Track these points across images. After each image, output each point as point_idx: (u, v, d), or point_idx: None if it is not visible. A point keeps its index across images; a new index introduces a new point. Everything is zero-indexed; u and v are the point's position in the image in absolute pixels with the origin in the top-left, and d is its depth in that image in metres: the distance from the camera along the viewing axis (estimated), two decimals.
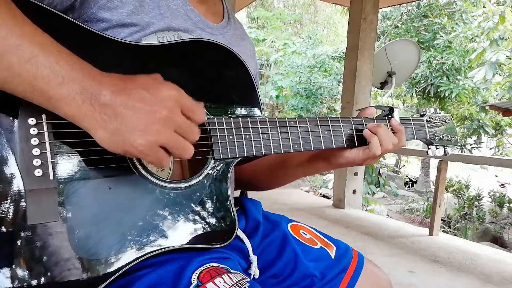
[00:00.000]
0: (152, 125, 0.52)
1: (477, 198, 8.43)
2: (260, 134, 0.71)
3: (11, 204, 0.52)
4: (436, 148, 0.98)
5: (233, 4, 4.34)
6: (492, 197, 8.67)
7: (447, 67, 9.95)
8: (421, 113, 0.96)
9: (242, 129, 0.69)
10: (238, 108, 0.72)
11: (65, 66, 0.49)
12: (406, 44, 5.31)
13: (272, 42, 13.10)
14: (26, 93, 0.49)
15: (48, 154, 0.53)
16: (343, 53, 7.48)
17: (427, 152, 0.98)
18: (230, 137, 0.68)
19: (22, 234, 0.52)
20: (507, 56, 9.05)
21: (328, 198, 5.88)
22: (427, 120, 0.95)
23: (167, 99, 0.53)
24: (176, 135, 0.54)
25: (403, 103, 12.11)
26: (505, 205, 8.32)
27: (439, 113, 0.99)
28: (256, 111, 0.74)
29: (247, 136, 0.69)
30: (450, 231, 7.59)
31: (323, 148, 0.78)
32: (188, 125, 0.55)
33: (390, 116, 0.87)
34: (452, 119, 1.01)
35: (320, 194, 7.63)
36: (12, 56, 0.47)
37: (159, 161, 0.54)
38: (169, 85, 0.55)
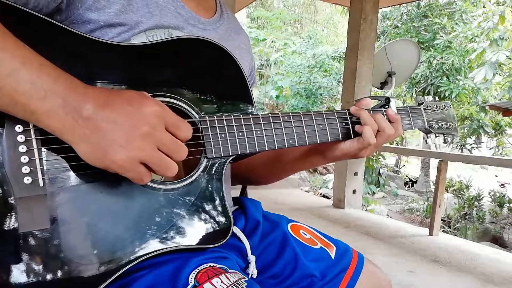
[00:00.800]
0: (133, 141, 0.51)
1: (477, 198, 8.44)
2: (254, 131, 0.69)
3: (2, 212, 0.51)
4: (436, 137, 0.96)
5: (233, 4, 4.34)
6: (492, 197, 8.67)
7: (447, 67, 9.95)
8: (419, 102, 0.94)
9: (234, 126, 0.68)
10: (230, 106, 0.71)
11: (47, 80, 0.49)
12: (406, 44, 5.30)
13: (272, 42, 13.10)
14: (8, 107, 0.49)
15: (37, 161, 0.52)
16: (343, 53, 7.47)
17: (426, 140, 0.97)
18: (223, 135, 0.67)
19: (14, 241, 0.52)
20: (507, 56, 9.05)
21: (328, 198, 5.88)
22: (425, 109, 0.93)
23: (150, 115, 0.52)
24: (158, 152, 0.53)
25: (403, 103, 12.12)
26: (505, 205, 8.32)
27: (437, 101, 0.97)
28: (249, 107, 0.73)
29: (240, 134, 0.68)
30: (450, 231, 7.59)
31: (318, 142, 0.77)
32: (172, 142, 0.54)
33: (387, 106, 0.85)
34: (451, 106, 0.99)
35: (320, 194, 7.62)
36: None
37: (140, 178, 0.53)
38: (152, 101, 0.54)
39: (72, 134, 0.50)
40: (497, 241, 6.96)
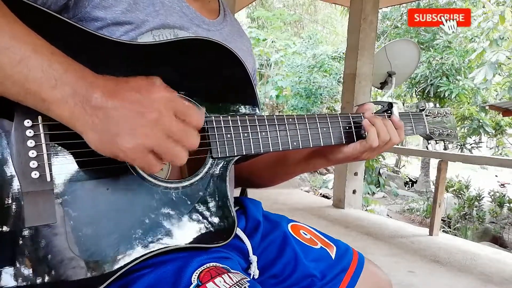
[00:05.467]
0: (140, 128, 0.50)
1: (477, 198, 8.43)
2: (259, 132, 0.70)
3: (9, 206, 0.52)
4: (436, 143, 0.97)
5: (233, 4, 4.34)
6: (492, 197, 8.67)
7: (447, 67, 9.96)
8: (421, 108, 0.96)
9: (240, 127, 0.68)
10: (236, 106, 0.72)
11: (58, 69, 0.48)
12: (406, 44, 5.30)
13: (272, 42, 13.10)
14: (18, 96, 0.48)
15: (45, 156, 0.53)
16: (343, 53, 7.47)
17: (427, 147, 0.98)
18: (228, 135, 0.67)
19: (20, 236, 0.52)
20: (507, 56, 9.05)
21: (328, 198, 5.88)
22: (426, 115, 0.94)
23: (158, 101, 0.51)
24: (167, 140, 0.51)
25: (403, 103, 12.12)
26: (505, 205, 8.31)
27: (439, 108, 0.98)
28: (254, 108, 0.74)
29: (245, 134, 0.69)
30: (450, 231, 7.59)
31: (322, 145, 0.77)
32: (182, 130, 0.52)
33: (389, 111, 0.86)
34: (452, 113, 1.00)
35: (320, 194, 7.62)
36: (3, 57, 0.46)
37: (148, 167, 0.52)
38: (161, 87, 0.52)
39: (81, 123, 0.50)
40: (497, 241, 6.96)
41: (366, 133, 0.79)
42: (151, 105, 0.50)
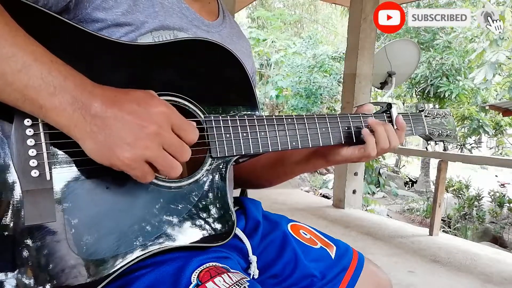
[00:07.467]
0: (140, 140, 0.51)
1: (477, 198, 8.44)
2: (257, 132, 0.70)
3: (8, 205, 0.52)
4: (436, 144, 0.97)
5: (233, 4, 4.34)
6: (492, 197, 8.68)
7: (447, 67, 9.97)
8: (420, 109, 0.96)
9: (239, 127, 0.68)
10: (235, 107, 0.72)
11: (57, 76, 0.49)
12: (406, 44, 5.30)
13: (272, 42, 13.10)
14: (17, 102, 0.49)
15: (45, 155, 0.53)
16: (343, 53, 7.48)
17: (426, 148, 0.98)
18: (227, 135, 0.67)
19: (19, 235, 0.52)
20: (507, 56, 9.05)
21: (328, 198, 5.88)
22: (425, 116, 0.94)
23: (158, 115, 0.53)
24: (164, 152, 0.54)
25: (403, 103, 12.13)
26: (505, 205, 8.32)
27: (438, 109, 0.98)
28: (254, 110, 0.74)
29: (244, 134, 0.69)
30: (450, 231, 7.59)
31: (321, 145, 0.77)
32: (178, 144, 0.55)
33: (388, 112, 0.86)
34: (451, 114, 1.00)
35: (320, 194, 7.63)
36: (5, 65, 0.47)
37: (144, 176, 0.54)
38: (160, 101, 0.55)
39: (80, 131, 0.50)
40: (497, 241, 6.96)
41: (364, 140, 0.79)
42: (150, 118, 0.52)
